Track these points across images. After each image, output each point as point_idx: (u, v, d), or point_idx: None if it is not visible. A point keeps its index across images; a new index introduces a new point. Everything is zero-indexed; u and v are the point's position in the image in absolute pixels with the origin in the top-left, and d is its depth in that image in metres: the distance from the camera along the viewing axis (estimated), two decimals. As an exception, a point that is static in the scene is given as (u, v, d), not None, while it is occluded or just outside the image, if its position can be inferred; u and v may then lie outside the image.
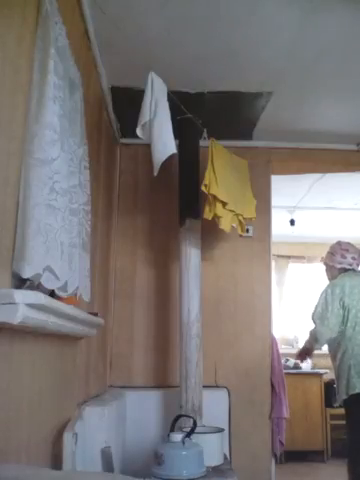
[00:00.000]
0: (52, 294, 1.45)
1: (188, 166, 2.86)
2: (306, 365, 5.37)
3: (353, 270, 3.19)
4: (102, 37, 2.28)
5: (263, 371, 3.24)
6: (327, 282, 3.29)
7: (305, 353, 3.36)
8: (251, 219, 3.05)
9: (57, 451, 1.59)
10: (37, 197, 1.28)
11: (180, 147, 2.76)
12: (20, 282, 1.25)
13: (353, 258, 3.19)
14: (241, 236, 3.22)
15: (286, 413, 3.29)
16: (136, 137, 2.32)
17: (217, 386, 3.15)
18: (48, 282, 1.37)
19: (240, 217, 2.93)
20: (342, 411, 3.15)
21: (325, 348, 3.29)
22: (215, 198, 2.69)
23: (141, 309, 3.25)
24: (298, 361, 3.62)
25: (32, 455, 1.40)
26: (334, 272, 3.23)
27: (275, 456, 3.24)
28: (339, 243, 3.29)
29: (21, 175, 1.28)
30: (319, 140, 3.41)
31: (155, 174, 2.27)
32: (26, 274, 1.22)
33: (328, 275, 3.32)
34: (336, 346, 3.05)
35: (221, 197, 2.70)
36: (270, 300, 3.38)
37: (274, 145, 3.46)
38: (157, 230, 3.34)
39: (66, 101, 1.58)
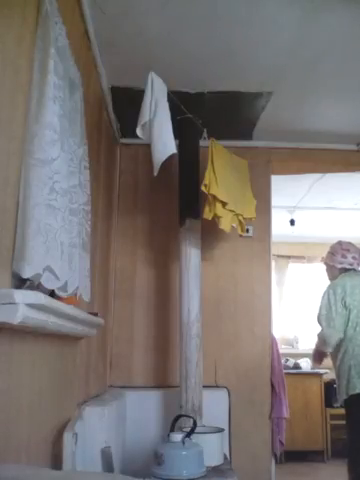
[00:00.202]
0: (52, 294, 1.45)
1: (188, 166, 2.86)
2: (306, 365, 5.37)
3: (354, 270, 3.18)
4: (102, 37, 2.28)
5: (263, 371, 3.24)
6: (327, 282, 3.29)
7: (319, 356, 3.31)
8: (251, 219, 3.05)
9: (57, 451, 1.59)
10: (37, 197, 1.28)
11: (180, 147, 2.76)
12: (20, 282, 1.25)
13: (354, 258, 3.18)
14: (241, 236, 3.22)
15: (286, 413, 3.29)
16: (136, 137, 2.32)
17: (217, 386, 3.15)
18: (48, 282, 1.37)
19: (240, 217, 2.93)
20: (342, 411, 3.14)
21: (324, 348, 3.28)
22: (215, 198, 2.69)
23: (141, 309, 3.25)
24: (316, 364, 3.57)
25: (32, 455, 1.40)
26: (335, 272, 3.23)
27: (275, 456, 3.23)
28: (340, 243, 3.28)
29: (21, 175, 1.28)
30: (319, 140, 3.41)
31: (155, 174, 2.27)
32: (26, 274, 1.22)
33: (329, 275, 3.32)
34: (337, 346, 3.04)
35: (221, 197, 2.70)
36: (270, 300, 3.38)
37: (274, 145, 3.46)
38: (157, 230, 3.34)
39: (66, 101, 1.58)
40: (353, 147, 3.48)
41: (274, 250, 3.62)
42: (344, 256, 3.19)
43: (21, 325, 1.10)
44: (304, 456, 4.94)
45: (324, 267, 3.38)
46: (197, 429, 2.17)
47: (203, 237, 2.84)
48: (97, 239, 2.51)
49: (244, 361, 3.24)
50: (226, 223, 2.76)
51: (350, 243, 3.27)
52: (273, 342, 3.35)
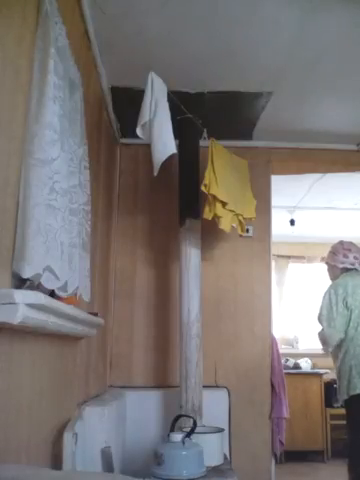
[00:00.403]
0: (52, 294, 1.45)
1: (188, 166, 2.86)
2: (306, 365, 5.37)
3: (355, 270, 3.18)
4: (102, 37, 2.28)
5: (263, 371, 3.24)
6: (327, 282, 3.29)
7: None
8: (251, 219, 3.05)
9: (57, 451, 1.59)
10: (37, 197, 1.28)
11: (180, 147, 2.76)
12: (20, 282, 1.25)
13: (355, 257, 3.18)
14: (241, 236, 3.22)
15: (286, 413, 3.28)
16: (136, 137, 2.32)
17: (217, 386, 3.15)
18: (48, 282, 1.37)
19: (240, 217, 2.93)
20: (342, 411, 3.15)
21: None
22: (215, 198, 2.69)
23: (141, 309, 3.25)
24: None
25: (32, 455, 1.40)
26: (336, 272, 3.22)
27: (275, 456, 3.23)
28: (341, 242, 3.28)
29: (21, 175, 1.28)
30: (319, 140, 3.41)
31: (155, 174, 2.27)
32: (26, 274, 1.22)
33: (330, 275, 3.31)
34: (338, 346, 3.04)
35: (221, 197, 2.70)
36: (270, 300, 3.37)
37: (274, 145, 3.46)
38: (157, 230, 3.34)
39: (66, 101, 1.58)
40: (353, 147, 3.48)
41: (274, 250, 3.62)
42: (346, 256, 3.19)
43: (21, 325, 1.10)
44: (304, 456, 4.94)
45: (325, 267, 3.37)
46: (197, 429, 2.17)
47: (203, 237, 2.84)
48: (97, 239, 2.51)
49: (244, 361, 3.24)
50: (226, 223, 2.76)
51: (352, 243, 3.26)
52: (273, 342, 3.35)
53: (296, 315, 5.91)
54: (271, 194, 3.45)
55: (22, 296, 1.08)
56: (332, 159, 3.49)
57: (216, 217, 2.71)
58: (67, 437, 1.58)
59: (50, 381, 1.64)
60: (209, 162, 2.75)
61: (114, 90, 2.80)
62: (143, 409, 2.95)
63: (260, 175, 3.37)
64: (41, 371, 1.52)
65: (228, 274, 3.33)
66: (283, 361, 4.45)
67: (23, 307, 1.08)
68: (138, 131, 2.29)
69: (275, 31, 2.28)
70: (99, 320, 2.19)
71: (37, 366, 1.47)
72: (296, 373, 5.16)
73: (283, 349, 5.16)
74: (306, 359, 5.43)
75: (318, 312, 3.11)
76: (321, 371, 5.20)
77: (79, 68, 1.84)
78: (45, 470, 1.32)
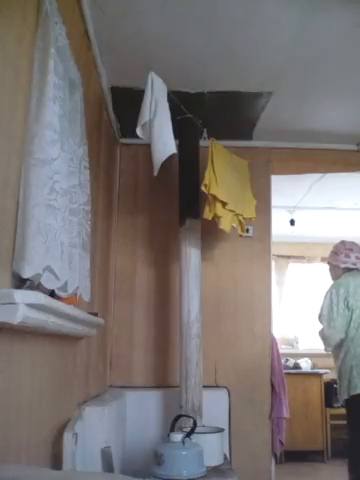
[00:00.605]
0: (52, 294, 1.45)
1: (188, 166, 2.86)
2: (306, 365, 5.37)
3: (357, 270, 3.17)
4: (102, 37, 2.28)
5: (263, 371, 3.24)
6: (327, 282, 3.28)
7: None
8: (251, 219, 3.05)
9: (57, 451, 1.59)
10: (37, 197, 1.28)
11: (180, 147, 2.76)
12: (20, 282, 1.25)
13: (357, 257, 3.17)
14: (241, 236, 3.22)
15: (286, 413, 3.28)
16: (136, 137, 2.32)
17: (217, 386, 3.15)
18: (48, 282, 1.37)
19: (240, 217, 2.93)
20: (342, 411, 3.15)
21: (324, 348, 3.28)
22: (215, 198, 2.69)
23: (141, 309, 3.25)
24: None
25: (32, 455, 1.40)
26: (338, 272, 3.22)
27: (275, 456, 3.23)
28: (343, 242, 3.27)
29: (21, 175, 1.28)
30: (319, 140, 3.41)
31: (155, 174, 2.27)
32: (26, 274, 1.22)
33: (332, 275, 3.31)
34: (338, 346, 3.03)
35: (221, 197, 2.70)
36: (270, 300, 3.37)
37: (274, 145, 3.46)
38: (157, 230, 3.34)
39: (66, 101, 1.58)
40: (353, 147, 3.48)
41: (274, 250, 3.62)
42: (347, 255, 3.18)
43: (21, 325, 1.10)
44: (304, 456, 4.94)
45: (327, 267, 3.37)
46: (197, 429, 2.17)
47: (203, 237, 2.84)
48: (97, 239, 2.51)
49: (244, 361, 3.24)
50: (226, 223, 2.76)
51: (354, 243, 3.26)
52: (273, 342, 3.35)
53: (296, 315, 5.91)
54: (271, 194, 3.45)
55: (22, 296, 1.08)
56: (332, 159, 3.49)
57: (216, 217, 2.71)
58: (67, 437, 1.58)
59: (50, 381, 1.64)
60: (209, 162, 2.75)
61: (114, 90, 2.80)
62: (143, 409, 2.95)
63: (260, 175, 3.37)
64: (41, 371, 1.52)
65: (228, 274, 3.33)
66: (283, 361, 4.45)
67: (23, 307, 1.08)
68: (138, 131, 2.29)
69: (275, 31, 2.28)
70: (99, 320, 2.19)
71: (37, 366, 1.47)
72: (296, 373, 5.16)
73: (283, 349, 5.16)
74: (306, 359, 5.43)
75: (319, 312, 3.11)
76: (321, 371, 5.20)
77: (79, 68, 1.84)
78: (45, 470, 1.33)
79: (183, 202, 2.84)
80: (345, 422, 3.11)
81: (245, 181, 3.09)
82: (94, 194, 2.06)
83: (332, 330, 3.00)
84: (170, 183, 3.11)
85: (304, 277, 6.11)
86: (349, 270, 3.17)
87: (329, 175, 3.79)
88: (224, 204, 2.73)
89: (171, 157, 2.30)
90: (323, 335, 3.08)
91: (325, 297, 3.09)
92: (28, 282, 1.26)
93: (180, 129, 2.69)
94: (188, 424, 2.36)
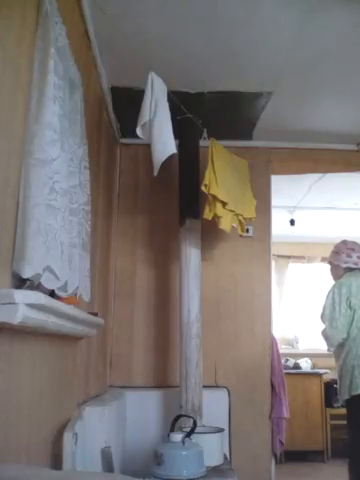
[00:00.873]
0: (52, 294, 1.45)
1: (188, 166, 2.86)
2: (306, 365, 5.37)
3: (359, 269, 3.17)
4: (102, 37, 2.28)
5: (263, 371, 3.24)
6: (327, 281, 3.28)
7: None
8: (251, 219, 3.05)
9: (57, 451, 1.59)
10: (37, 197, 1.28)
11: (180, 147, 2.76)
12: (20, 282, 1.25)
13: (359, 257, 3.17)
14: (241, 236, 3.22)
15: (286, 413, 3.28)
16: (136, 137, 2.32)
17: (217, 386, 3.15)
18: (48, 282, 1.37)
19: (240, 217, 2.93)
20: (342, 411, 3.15)
21: (325, 348, 3.28)
22: (215, 198, 2.69)
23: (141, 309, 3.25)
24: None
25: (32, 455, 1.40)
26: (339, 271, 3.21)
27: (275, 456, 3.23)
28: (344, 242, 3.27)
29: (21, 175, 1.28)
30: (319, 140, 3.41)
31: (155, 174, 2.27)
32: (26, 274, 1.22)
33: (333, 274, 3.30)
34: (340, 346, 3.03)
35: (221, 197, 2.70)
36: (270, 300, 3.37)
37: (274, 145, 3.46)
38: (157, 230, 3.34)
39: (66, 101, 1.58)
40: (353, 147, 3.48)
41: (274, 250, 3.62)
42: (349, 255, 3.18)
43: (21, 325, 1.10)
44: (304, 456, 4.94)
45: (327, 266, 3.37)
46: (197, 429, 2.17)
47: (203, 237, 2.84)
48: (97, 239, 2.51)
49: (244, 361, 3.24)
50: (226, 223, 2.76)
51: (355, 242, 3.25)
52: (273, 342, 3.35)
53: (296, 315, 5.91)
54: (271, 194, 3.45)
55: (22, 296, 1.08)
56: (332, 159, 3.49)
57: (216, 217, 2.71)
58: (67, 437, 1.58)
59: (50, 381, 1.64)
60: (209, 162, 2.75)
61: (114, 90, 2.80)
62: (143, 409, 2.95)
63: (260, 175, 3.37)
64: (41, 371, 1.52)
65: (228, 274, 3.33)
66: (283, 361, 4.45)
67: (23, 307, 1.08)
68: (138, 131, 2.29)
69: (275, 31, 2.28)
70: (99, 320, 2.19)
71: (37, 366, 1.47)
72: (296, 373, 5.16)
73: (283, 349, 5.16)
74: (306, 359, 5.44)
75: (321, 311, 3.11)
76: (321, 371, 5.20)
77: (79, 68, 1.84)
78: (45, 470, 1.33)
79: (183, 202, 2.84)
80: (345, 422, 3.11)
81: (245, 181, 3.09)
82: (94, 194, 2.06)
83: (334, 330, 2.99)
84: (170, 183, 3.11)
85: (304, 277, 6.11)
86: (351, 270, 3.16)
87: (329, 175, 3.79)
88: (224, 204, 2.73)
89: (171, 157, 2.30)
90: (325, 335, 3.08)
91: (327, 297, 3.09)
92: (28, 282, 1.26)
93: (180, 129, 2.69)
94: (188, 424, 2.36)
